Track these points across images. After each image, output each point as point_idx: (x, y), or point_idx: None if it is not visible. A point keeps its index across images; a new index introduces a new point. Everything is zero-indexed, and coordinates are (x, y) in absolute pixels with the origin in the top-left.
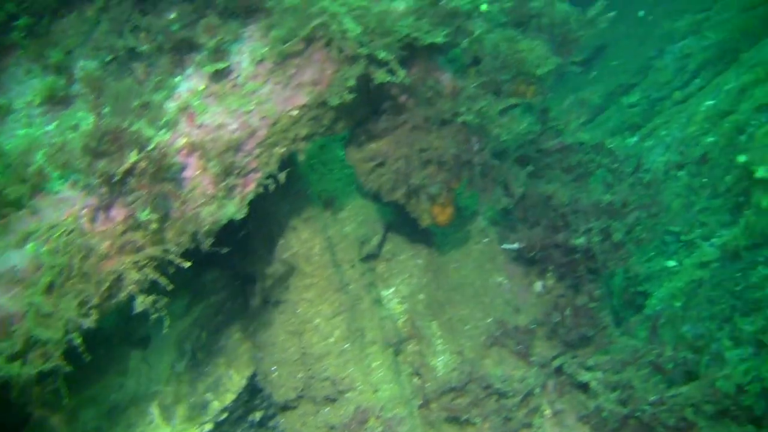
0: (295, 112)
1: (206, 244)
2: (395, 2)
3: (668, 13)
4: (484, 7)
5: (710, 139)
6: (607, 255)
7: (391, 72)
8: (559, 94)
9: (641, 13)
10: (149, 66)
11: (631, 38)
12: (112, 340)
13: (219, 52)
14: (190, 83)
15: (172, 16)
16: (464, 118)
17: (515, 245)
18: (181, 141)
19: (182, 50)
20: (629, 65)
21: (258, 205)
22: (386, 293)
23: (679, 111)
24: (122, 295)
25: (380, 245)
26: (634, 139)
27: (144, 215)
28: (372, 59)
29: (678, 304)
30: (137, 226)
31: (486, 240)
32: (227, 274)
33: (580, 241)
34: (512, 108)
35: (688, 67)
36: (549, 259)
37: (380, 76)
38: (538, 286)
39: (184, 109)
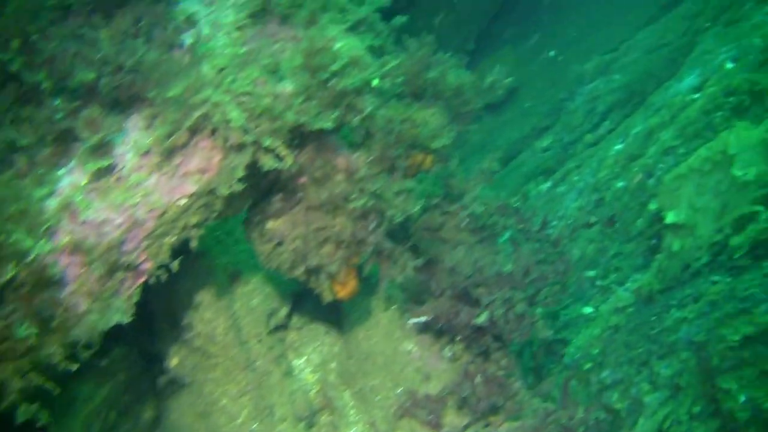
0: (183, 201)
1: (85, 355)
2: (282, 84)
3: (578, 53)
4: (375, 82)
5: (620, 184)
6: (510, 327)
7: (279, 158)
8: (471, 141)
9: (552, 53)
10: (31, 159)
11: (543, 79)
12: None
13: (101, 146)
14: (73, 177)
15: (56, 103)
16: (358, 204)
17: (421, 319)
18: (63, 240)
19: (66, 141)
20: (542, 107)
21: (159, 283)
22: (298, 362)
23: (590, 155)
24: (3, 405)
25: (289, 316)
26: (548, 184)
27: (22, 331)
28: (259, 146)
29: (595, 351)
30: (16, 340)
31: (394, 307)
32: (135, 351)
33: (482, 319)
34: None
35: (597, 109)
36: (456, 329)
37: (268, 162)
38: (448, 352)
39: (66, 206)
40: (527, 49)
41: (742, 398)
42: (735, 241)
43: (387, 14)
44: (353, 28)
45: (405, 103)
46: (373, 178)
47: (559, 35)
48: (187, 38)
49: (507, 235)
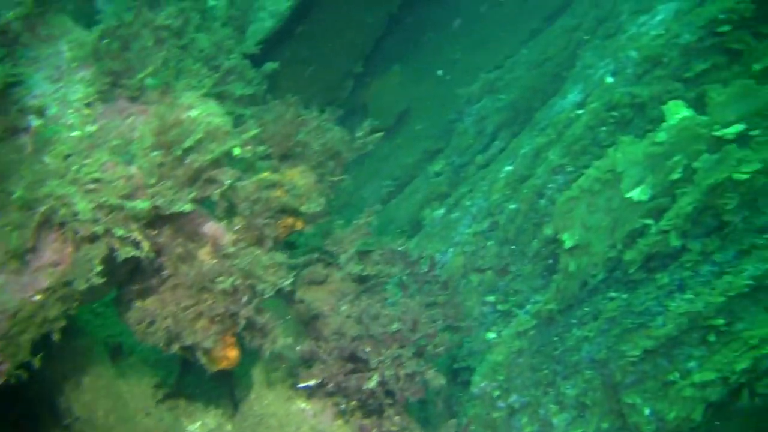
0: (38, 297)
1: None
2: (133, 165)
3: (465, 71)
4: (237, 151)
5: (513, 206)
6: (402, 386)
7: (137, 245)
8: (365, 168)
9: (440, 72)
10: None
11: (433, 100)
12: None
13: None
14: None
15: None
16: (225, 285)
17: (310, 383)
18: None
19: None
20: (432, 129)
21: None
22: (192, 428)
23: (482, 178)
24: None
25: (178, 383)
26: (442, 211)
27: None
28: (112, 235)
29: (501, 377)
30: None
31: (284, 366)
32: None
33: (373, 383)
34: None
35: (486, 129)
36: (347, 392)
37: (124, 250)
38: (342, 409)
39: None
40: (416, 69)
41: (647, 411)
42: (628, 256)
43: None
44: (220, 83)
45: (272, 166)
46: (240, 253)
47: (446, 53)
48: (33, 120)
49: (394, 280)
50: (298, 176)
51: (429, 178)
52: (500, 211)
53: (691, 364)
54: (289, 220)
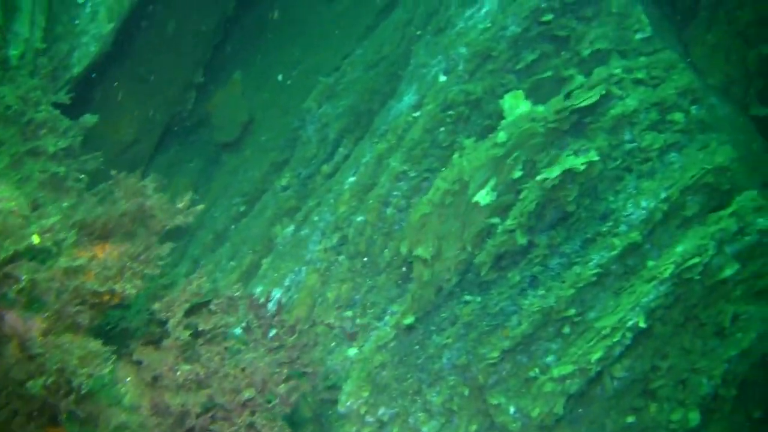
0: None
1: None
2: None
3: (305, 74)
4: (36, 240)
5: (360, 218)
6: None
7: None
8: (214, 184)
9: (280, 78)
10: None
11: (276, 107)
12: None
13: None
14: None
15: None
16: (35, 388)
17: None
18: None
19: None
20: (277, 140)
21: None
22: None
23: (327, 190)
24: None
25: None
26: (291, 227)
27: None
28: None
29: (366, 393)
30: None
31: None
32: None
33: None
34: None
35: (329, 137)
36: None
37: None
38: None
39: None
40: (257, 74)
41: (512, 409)
42: (479, 258)
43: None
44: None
45: (79, 246)
46: (50, 348)
47: (285, 55)
48: None
49: (239, 329)
50: (111, 254)
51: (277, 192)
52: (348, 224)
53: (550, 358)
54: (106, 297)
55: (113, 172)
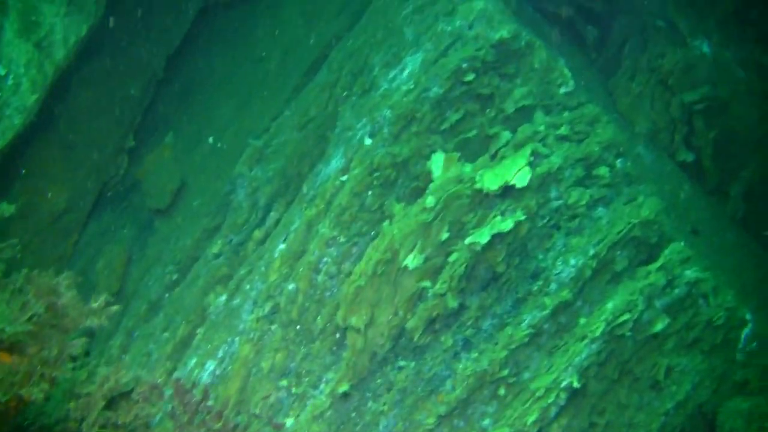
0: None
1: None
2: None
3: (236, 136)
4: None
5: (291, 286)
6: None
7: None
8: (148, 251)
9: (211, 140)
10: None
11: (208, 171)
12: None
13: None
14: None
15: None
16: None
17: None
18: None
19: None
20: (209, 205)
21: None
22: None
23: (259, 257)
24: None
25: None
26: (224, 297)
27: None
28: None
29: None
30: None
31: None
32: None
33: None
34: None
35: (260, 202)
36: None
37: None
38: None
39: None
40: (188, 136)
41: None
42: (410, 323)
43: None
44: None
45: None
46: None
47: (216, 117)
48: None
49: (159, 416)
50: (18, 359)
51: (209, 260)
52: (280, 292)
53: (486, 421)
54: (12, 404)
55: (24, 270)
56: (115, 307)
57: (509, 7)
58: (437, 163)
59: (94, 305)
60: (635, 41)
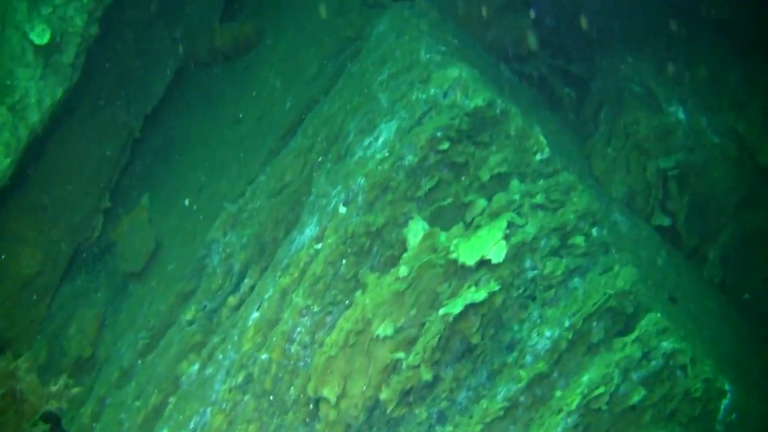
0: None
1: None
2: None
3: (212, 199)
4: None
5: (264, 356)
6: None
7: None
8: (121, 315)
9: (186, 203)
10: None
11: (183, 234)
12: None
13: None
14: None
15: None
16: None
17: None
18: None
19: None
20: (184, 269)
21: None
22: None
23: (232, 325)
24: None
25: None
26: (197, 366)
27: None
28: None
29: None
30: None
31: None
32: None
33: None
34: None
35: (234, 268)
36: None
37: None
38: None
39: None
40: (164, 198)
41: None
42: (384, 394)
43: None
44: None
45: None
46: None
47: (192, 178)
48: None
49: None
50: None
51: (182, 327)
52: (253, 362)
53: None
54: None
55: None
56: (75, 389)
57: (485, 73)
58: (414, 232)
59: (53, 389)
60: (611, 105)
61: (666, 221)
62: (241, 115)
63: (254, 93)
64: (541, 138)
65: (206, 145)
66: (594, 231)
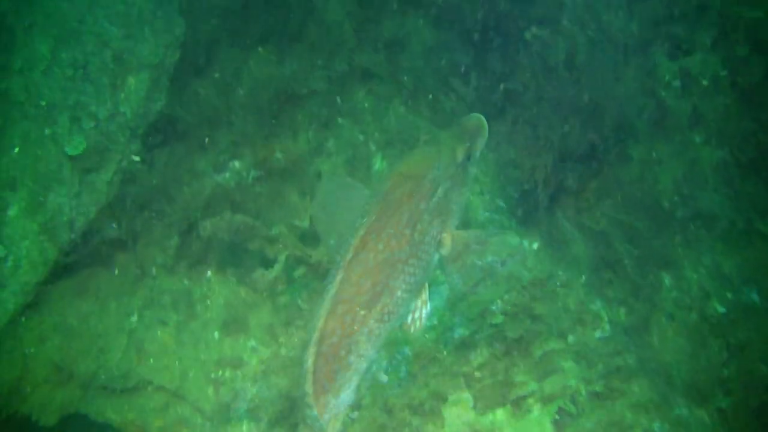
0: None
1: None
2: None
3: None
4: None
5: None
6: None
7: None
8: None
9: None
10: None
11: None
12: None
13: None
14: None
15: None
16: None
17: None
18: None
19: None
20: None
21: None
22: None
23: None
24: None
25: None
26: None
27: None
28: None
29: None
30: None
31: None
32: None
33: None
34: None
35: None
36: None
37: None
38: None
39: None
40: None
41: None
42: None
43: None
44: None
45: None
46: None
47: None
48: None
49: None
50: None
51: None
52: None
53: None
54: None
55: None
56: None
57: (544, 236)
58: (453, 411)
59: None
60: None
61: None
62: None
63: None
64: (602, 313)
65: None
66: (655, 426)
